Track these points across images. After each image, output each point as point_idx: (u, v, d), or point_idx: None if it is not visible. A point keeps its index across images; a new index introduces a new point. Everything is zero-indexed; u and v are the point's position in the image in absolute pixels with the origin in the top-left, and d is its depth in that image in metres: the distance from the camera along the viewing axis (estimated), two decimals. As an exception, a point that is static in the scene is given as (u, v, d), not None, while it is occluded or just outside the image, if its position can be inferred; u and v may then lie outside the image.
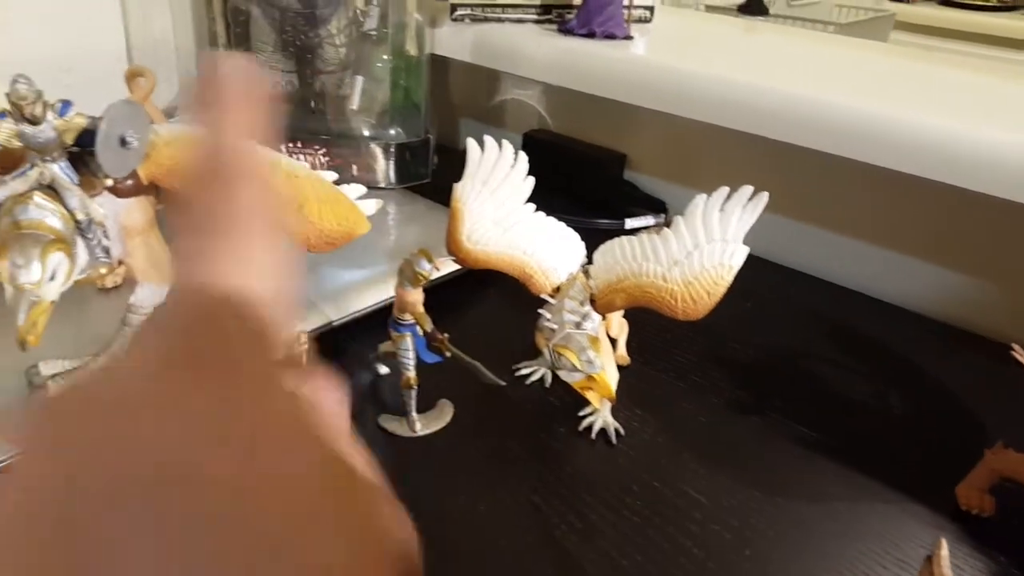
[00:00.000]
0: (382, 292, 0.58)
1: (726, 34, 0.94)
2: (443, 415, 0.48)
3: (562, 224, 0.52)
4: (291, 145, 0.73)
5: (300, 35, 0.73)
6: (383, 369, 0.52)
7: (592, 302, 0.47)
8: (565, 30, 0.74)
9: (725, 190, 0.45)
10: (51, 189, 0.39)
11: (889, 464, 0.48)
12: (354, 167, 0.75)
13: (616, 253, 0.48)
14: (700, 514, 0.43)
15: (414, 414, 0.47)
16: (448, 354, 0.44)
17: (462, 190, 0.51)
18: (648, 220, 0.76)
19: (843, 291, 0.69)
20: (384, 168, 0.75)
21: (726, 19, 1.08)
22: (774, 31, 1.05)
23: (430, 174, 0.77)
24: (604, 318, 0.48)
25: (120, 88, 0.80)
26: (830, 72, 0.74)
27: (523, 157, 0.53)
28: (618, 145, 0.82)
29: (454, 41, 0.77)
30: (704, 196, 0.46)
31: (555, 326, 0.46)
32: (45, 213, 0.38)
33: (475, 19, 0.77)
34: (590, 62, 0.70)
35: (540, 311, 0.48)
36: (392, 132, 0.75)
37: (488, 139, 0.53)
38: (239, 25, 0.76)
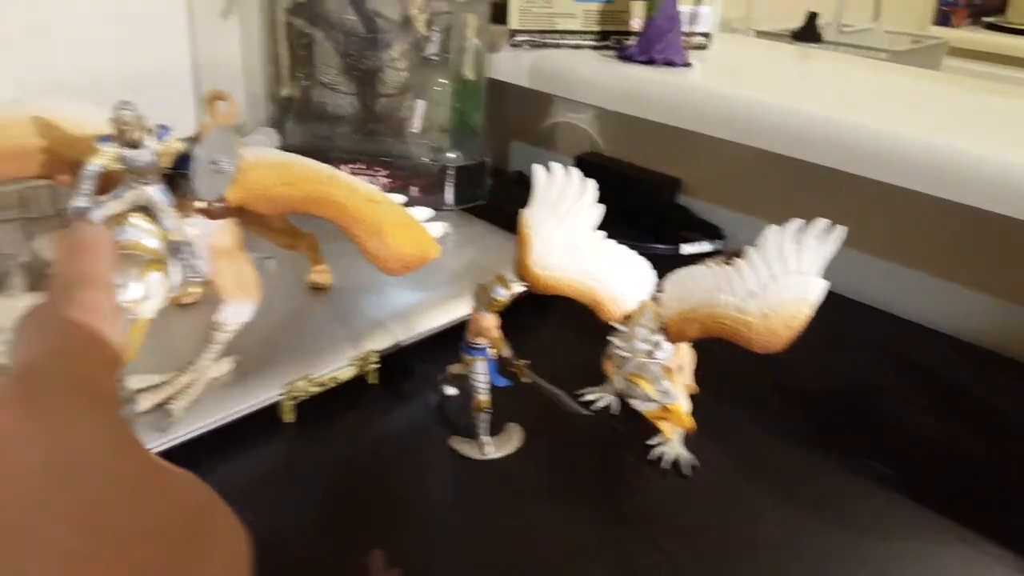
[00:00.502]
0: (445, 314, 0.59)
1: (782, 61, 0.94)
2: (512, 439, 0.49)
3: (632, 251, 0.52)
4: (353, 167, 0.74)
5: (363, 59, 0.75)
6: (450, 391, 0.53)
7: (663, 331, 0.47)
8: (624, 56, 0.75)
9: (799, 221, 0.45)
10: (146, 210, 0.41)
11: (966, 503, 0.47)
12: (413, 189, 0.76)
13: (688, 282, 0.48)
14: (777, 553, 0.43)
15: (484, 437, 0.48)
16: (525, 380, 0.44)
17: (530, 216, 0.51)
18: (704, 246, 0.76)
19: (910, 325, 0.68)
20: (442, 190, 0.76)
21: (781, 46, 1.08)
22: (829, 59, 1.05)
23: (486, 196, 0.78)
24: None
25: (185, 107, 0.82)
26: (888, 101, 0.74)
27: (591, 183, 0.54)
28: (672, 169, 0.83)
29: (512, 66, 0.78)
30: (776, 227, 0.46)
31: (627, 354, 0.47)
32: (142, 234, 0.39)
33: (534, 45, 0.78)
34: (650, 88, 0.71)
35: (610, 338, 0.48)
36: (451, 155, 0.76)
37: (555, 165, 0.54)
38: (302, 48, 0.78)
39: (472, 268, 0.65)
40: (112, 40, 0.77)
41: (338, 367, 0.52)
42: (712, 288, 0.46)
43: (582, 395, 0.54)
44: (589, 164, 0.84)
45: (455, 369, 0.51)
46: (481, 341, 0.46)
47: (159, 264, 0.39)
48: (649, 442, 0.49)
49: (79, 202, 0.38)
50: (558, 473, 0.48)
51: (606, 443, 0.51)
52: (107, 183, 0.41)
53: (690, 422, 0.43)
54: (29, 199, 0.56)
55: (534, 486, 0.47)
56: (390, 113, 0.78)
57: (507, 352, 0.43)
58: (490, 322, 0.45)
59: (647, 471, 0.48)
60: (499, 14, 0.79)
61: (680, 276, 0.49)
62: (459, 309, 0.60)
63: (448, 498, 0.46)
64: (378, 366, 0.54)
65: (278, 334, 0.54)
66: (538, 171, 0.53)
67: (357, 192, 0.48)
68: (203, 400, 0.46)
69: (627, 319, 0.49)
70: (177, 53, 0.83)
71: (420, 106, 0.75)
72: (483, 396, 0.47)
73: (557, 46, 0.78)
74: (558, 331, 0.62)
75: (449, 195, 0.76)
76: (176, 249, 0.41)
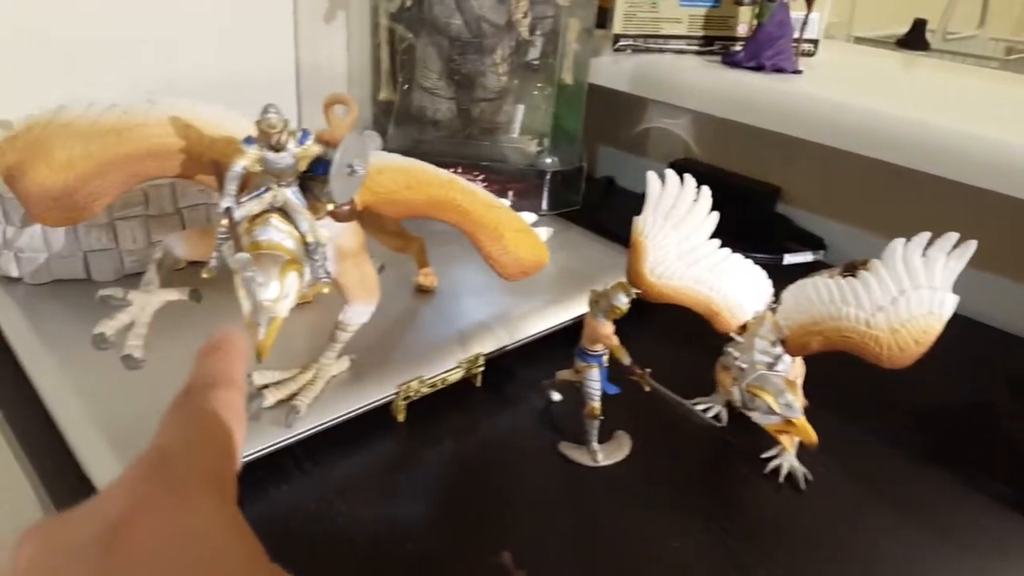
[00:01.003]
0: (545, 319, 0.60)
1: (891, 68, 0.92)
2: (622, 446, 0.49)
3: (748, 261, 0.51)
4: (451, 171, 0.75)
5: (465, 63, 0.76)
6: (556, 396, 0.53)
7: (782, 343, 0.47)
8: (731, 62, 0.74)
9: (926, 235, 0.44)
10: (281, 212, 0.42)
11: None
12: (510, 193, 0.76)
13: (810, 294, 0.47)
14: (894, 570, 0.42)
15: (595, 444, 0.48)
16: (647, 389, 0.44)
17: (643, 223, 0.51)
18: (807, 256, 0.74)
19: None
20: (538, 195, 0.76)
21: (887, 53, 1.05)
22: (940, 67, 1.01)
23: (580, 201, 0.78)
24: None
25: (287, 110, 0.85)
26: (1005, 111, 0.71)
27: (706, 192, 0.53)
28: (771, 177, 0.81)
29: (613, 70, 0.78)
30: (902, 240, 0.44)
31: (745, 365, 0.46)
32: (282, 235, 0.41)
33: (637, 50, 0.78)
34: (760, 95, 0.69)
35: (728, 349, 0.47)
36: (548, 160, 0.76)
37: (669, 172, 0.53)
38: (404, 52, 0.80)
39: (569, 274, 0.65)
40: (219, 43, 0.79)
41: (448, 369, 0.52)
42: (836, 301, 0.45)
43: (692, 404, 0.53)
44: (684, 170, 0.83)
45: (563, 375, 0.51)
46: (597, 348, 0.46)
47: (296, 264, 0.40)
48: (764, 455, 0.49)
49: (226, 202, 0.39)
50: (668, 482, 0.47)
51: (716, 453, 0.50)
52: (247, 183, 0.42)
53: (814, 436, 0.42)
54: (152, 197, 0.59)
55: (645, 494, 0.46)
56: (488, 118, 0.79)
57: (627, 360, 0.43)
58: (608, 329, 0.45)
59: (760, 482, 0.47)
60: (600, 19, 0.79)
61: (800, 288, 0.48)
62: (558, 315, 0.60)
63: (558, 502, 0.46)
64: (483, 369, 0.55)
65: (390, 335, 0.55)
66: (652, 179, 0.53)
67: (477, 197, 0.49)
68: (323, 397, 0.48)
69: (744, 330, 0.48)
70: (282, 56, 0.86)
71: (519, 111, 0.76)
72: (596, 403, 0.47)
73: (661, 51, 0.77)
74: (657, 339, 0.62)
75: (545, 200, 0.76)
76: (311, 250, 0.42)
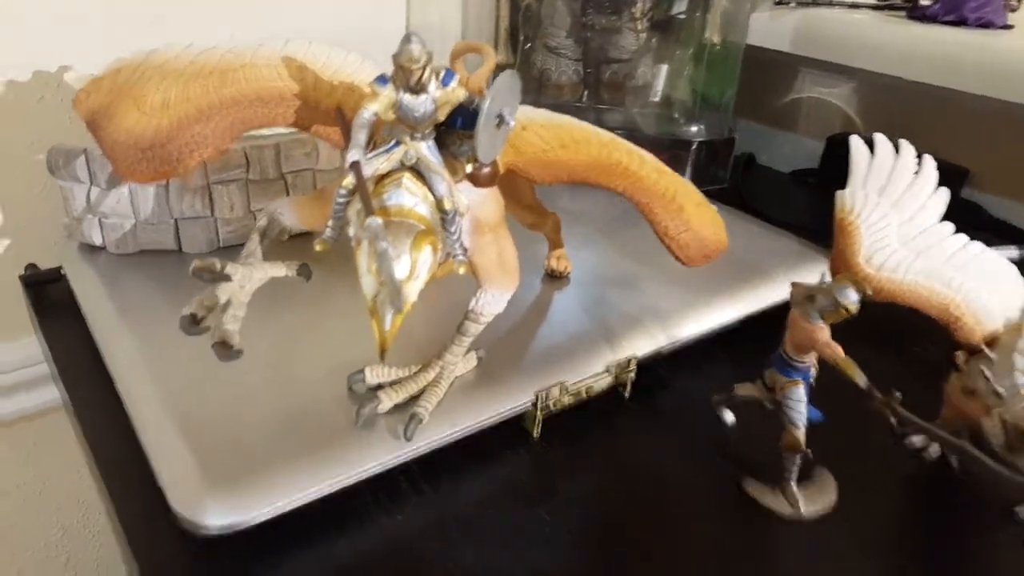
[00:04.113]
0: (707, 318, 0.49)
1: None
2: (826, 491, 0.38)
3: (993, 252, 0.40)
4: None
5: (599, 19, 0.66)
6: (729, 417, 0.43)
7: (1053, 363, 0.35)
8: (922, 16, 0.61)
9: None
10: (414, 171, 0.33)
11: None
12: (645, 167, 0.66)
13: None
14: None
15: (794, 486, 0.37)
16: (893, 420, 0.33)
17: (851, 199, 0.41)
18: (1011, 252, 0.61)
19: None
20: (680, 168, 0.66)
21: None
22: None
23: (727, 178, 0.68)
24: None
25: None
26: None
27: (929, 161, 0.42)
28: (956, 157, 0.68)
29: (771, 28, 0.67)
30: None
31: (1004, 391, 0.35)
32: (416, 199, 0.32)
33: (802, 4, 0.66)
34: (965, 53, 0.57)
35: (982, 368, 0.36)
36: (693, 129, 0.66)
37: (880, 138, 0.43)
38: (528, 9, 0.70)
39: (727, 261, 0.54)
40: (326, -2, 0.72)
41: (594, 374, 0.43)
42: None
43: (903, 436, 0.42)
44: (844, 147, 0.71)
45: (744, 389, 0.40)
46: (807, 359, 0.35)
47: (431, 236, 0.31)
48: (1018, 508, 0.37)
49: (354, 154, 0.31)
50: (890, 544, 0.37)
51: (947, 500, 0.39)
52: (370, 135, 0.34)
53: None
54: (253, 159, 0.51)
55: (856, 561, 0.36)
56: (620, 81, 0.69)
57: (862, 380, 0.32)
58: (827, 335, 0.34)
59: (1002, 534, 0.36)
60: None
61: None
62: (724, 311, 0.50)
63: (739, 561, 0.36)
64: (634, 376, 0.45)
65: (522, 330, 0.46)
66: (857, 145, 0.42)
67: (646, 161, 0.39)
68: (447, 403, 0.39)
69: (993, 343, 0.37)
70: (392, 14, 0.78)
71: (662, 71, 0.65)
72: (800, 431, 0.36)
73: (830, 4, 0.65)
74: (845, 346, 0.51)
75: (687, 175, 0.66)
76: (448, 220, 0.33)
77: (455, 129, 0.34)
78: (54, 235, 0.57)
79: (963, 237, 0.40)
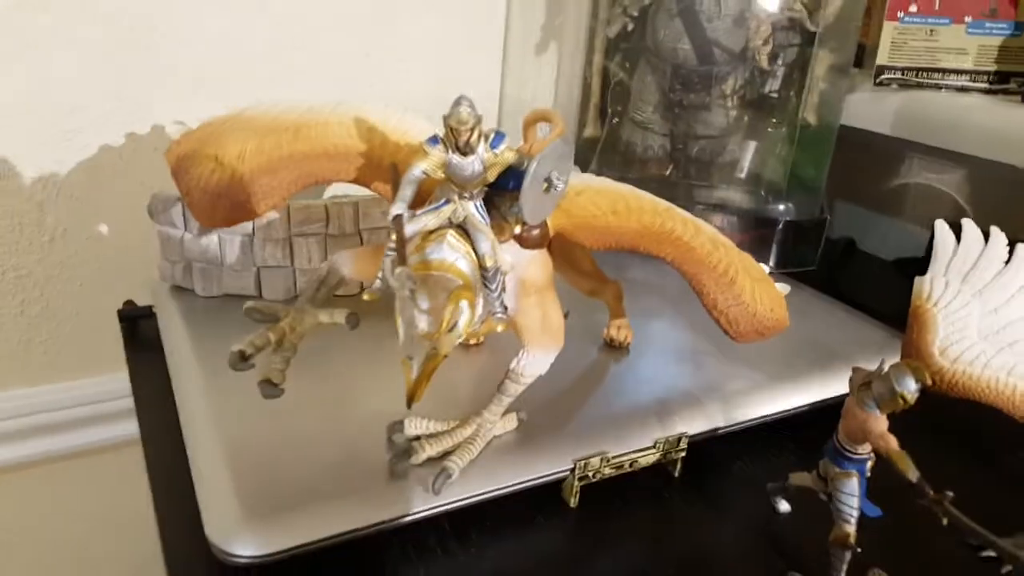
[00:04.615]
0: (775, 400, 0.47)
1: None
2: (881, 595, 0.34)
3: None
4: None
5: (688, 95, 0.66)
6: (784, 506, 0.40)
7: None
8: (1036, 100, 0.58)
9: None
10: (461, 229, 0.34)
11: None
12: (728, 244, 0.64)
13: None
14: None
15: (843, 585, 0.34)
16: (943, 520, 0.30)
17: (930, 287, 0.38)
18: None
19: None
20: (765, 248, 0.64)
21: None
22: None
23: (816, 260, 0.65)
24: None
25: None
26: None
27: (1021, 254, 0.39)
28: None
29: (871, 109, 0.64)
30: None
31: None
32: (457, 255, 0.33)
33: (904, 85, 0.64)
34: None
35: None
36: (781, 208, 0.64)
37: (968, 223, 0.40)
38: (618, 84, 0.72)
39: (806, 344, 0.52)
40: (426, 68, 0.76)
41: (641, 449, 0.41)
42: None
43: (980, 549, 0.37)
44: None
45: (799, 479, 0.38)
46: (862, 450, 0.33)
47: (469, 292, 0.32)
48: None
49: (398, 209, 0.32)
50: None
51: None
52: (424, 192, 0.35)
53: None
54: (332, 215, 0.54)
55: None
56: (707, 157, 0.68)
57: (914, 475, 0.29)
58: (884, 426, 0.31)
59: None
60: (857, 56, 0.66)
61: None
62: (789, 396, 0.47)
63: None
64: (684, 454, 0.43)
65: (569, 395, 0.45)
66: (942, 231, 0.39)
67: (702, 231, 0.38)
68: (482, 461, 0.39)
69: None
70: (487, 89, 0.81)
71: (750, 148, 0.64)
72: (851, 526, 0.33)
73: (937, 87, 0.62)
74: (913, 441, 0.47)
75: (773, 255, 0.63)
76: (489, 277, 0.33)
77: (507, 190, 0.35)
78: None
79: (1055, 333, 0.36)
